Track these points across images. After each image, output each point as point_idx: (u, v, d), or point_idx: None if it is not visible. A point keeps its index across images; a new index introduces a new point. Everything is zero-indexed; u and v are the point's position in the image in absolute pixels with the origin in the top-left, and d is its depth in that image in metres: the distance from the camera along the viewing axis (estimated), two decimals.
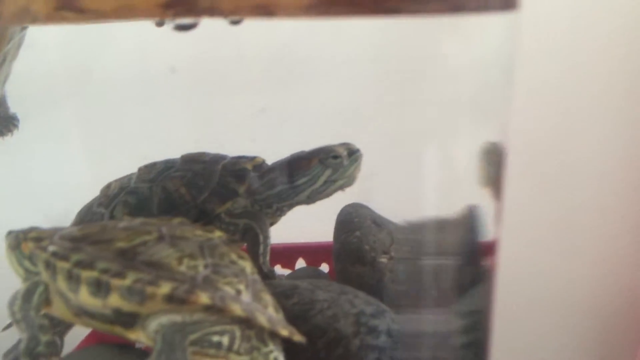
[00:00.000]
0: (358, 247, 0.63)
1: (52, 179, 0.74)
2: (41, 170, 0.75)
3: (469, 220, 0.50)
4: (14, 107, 0.72)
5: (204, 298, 0.39)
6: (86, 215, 0.62)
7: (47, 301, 0.43)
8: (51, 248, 0.42)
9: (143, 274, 0.40)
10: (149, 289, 0.39)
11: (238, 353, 0.41)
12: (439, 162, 0.47)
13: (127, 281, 0.39)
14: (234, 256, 0.44)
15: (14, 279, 0.48)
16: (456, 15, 0.34)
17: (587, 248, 1.02)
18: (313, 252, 0.76)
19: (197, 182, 0.59)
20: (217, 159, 0.62)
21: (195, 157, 0.63)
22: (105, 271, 0.40)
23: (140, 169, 0.63)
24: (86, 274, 0.40)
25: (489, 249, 0.51)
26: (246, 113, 0.63)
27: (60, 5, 0.37)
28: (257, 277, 0.44)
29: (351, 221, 0.66)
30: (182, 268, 0.41)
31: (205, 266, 0.42)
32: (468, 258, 0.51)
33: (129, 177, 0.63)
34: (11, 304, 0.43)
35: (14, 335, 0.48)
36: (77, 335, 0.56)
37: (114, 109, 0.69)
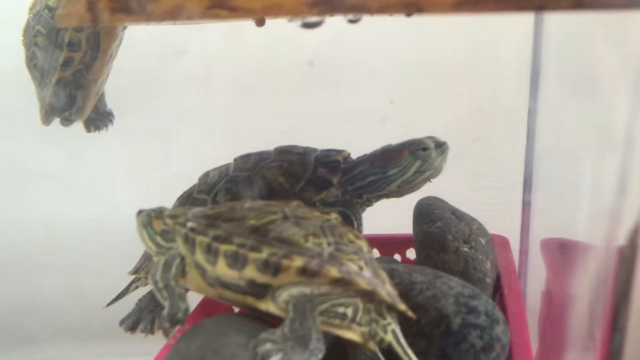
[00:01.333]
0: (441, 237, 0.66)
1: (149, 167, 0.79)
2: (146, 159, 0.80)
3: None
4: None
5: (334, 272, 0.42)
6: (187, 201, 0.66)
7: (182, 273, 0.47)
8: (190, 224, 0.46)
9: (276, 249, 0.43)
10: (285, 262, 0.42)
11: (359, 324, 0.45)
12: None
13: (263, 254, 0.43)
14: (351, 236, 0.47)
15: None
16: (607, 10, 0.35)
17: None
18: (386, 243, 0.80)
19: (294, 171, 0.63)
20: (309, 151, 0.66)
21: (288, 149, 0.66)
22: (242, 245, 0.44)
23: (236, 160, 0.67)
24: (225, 248, 0.44)
25: None
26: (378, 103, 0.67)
27: (214, 4, 0.41)
28: (372, 256, 0.48)
29: (431, 212, 0.69)
30: (309, 245, 0.44)
31: (329, 244, 0.45)
32: None
33: (226, 167, 0.67)
34: (153, 274, 0.47)
35: None
36: None
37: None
